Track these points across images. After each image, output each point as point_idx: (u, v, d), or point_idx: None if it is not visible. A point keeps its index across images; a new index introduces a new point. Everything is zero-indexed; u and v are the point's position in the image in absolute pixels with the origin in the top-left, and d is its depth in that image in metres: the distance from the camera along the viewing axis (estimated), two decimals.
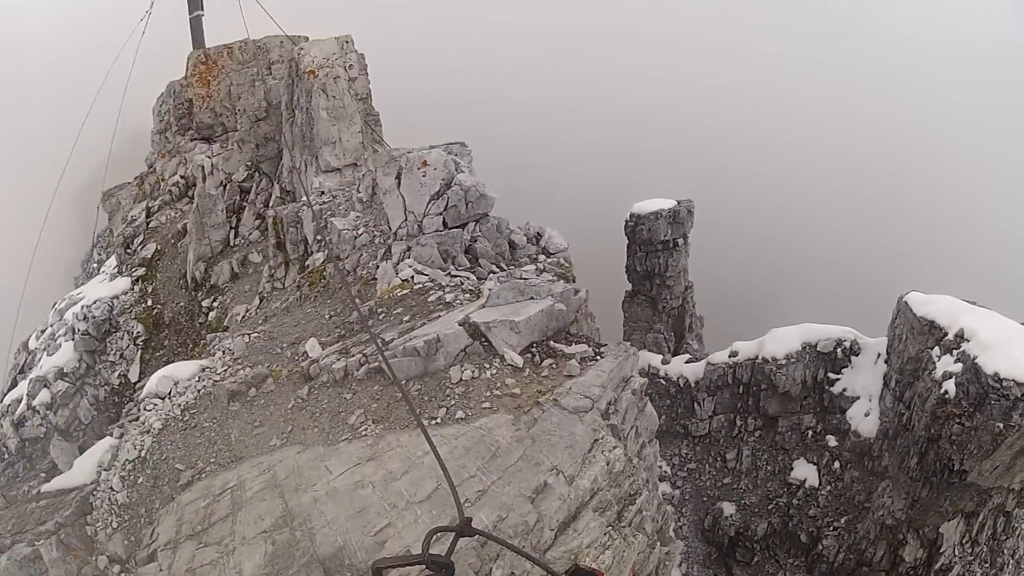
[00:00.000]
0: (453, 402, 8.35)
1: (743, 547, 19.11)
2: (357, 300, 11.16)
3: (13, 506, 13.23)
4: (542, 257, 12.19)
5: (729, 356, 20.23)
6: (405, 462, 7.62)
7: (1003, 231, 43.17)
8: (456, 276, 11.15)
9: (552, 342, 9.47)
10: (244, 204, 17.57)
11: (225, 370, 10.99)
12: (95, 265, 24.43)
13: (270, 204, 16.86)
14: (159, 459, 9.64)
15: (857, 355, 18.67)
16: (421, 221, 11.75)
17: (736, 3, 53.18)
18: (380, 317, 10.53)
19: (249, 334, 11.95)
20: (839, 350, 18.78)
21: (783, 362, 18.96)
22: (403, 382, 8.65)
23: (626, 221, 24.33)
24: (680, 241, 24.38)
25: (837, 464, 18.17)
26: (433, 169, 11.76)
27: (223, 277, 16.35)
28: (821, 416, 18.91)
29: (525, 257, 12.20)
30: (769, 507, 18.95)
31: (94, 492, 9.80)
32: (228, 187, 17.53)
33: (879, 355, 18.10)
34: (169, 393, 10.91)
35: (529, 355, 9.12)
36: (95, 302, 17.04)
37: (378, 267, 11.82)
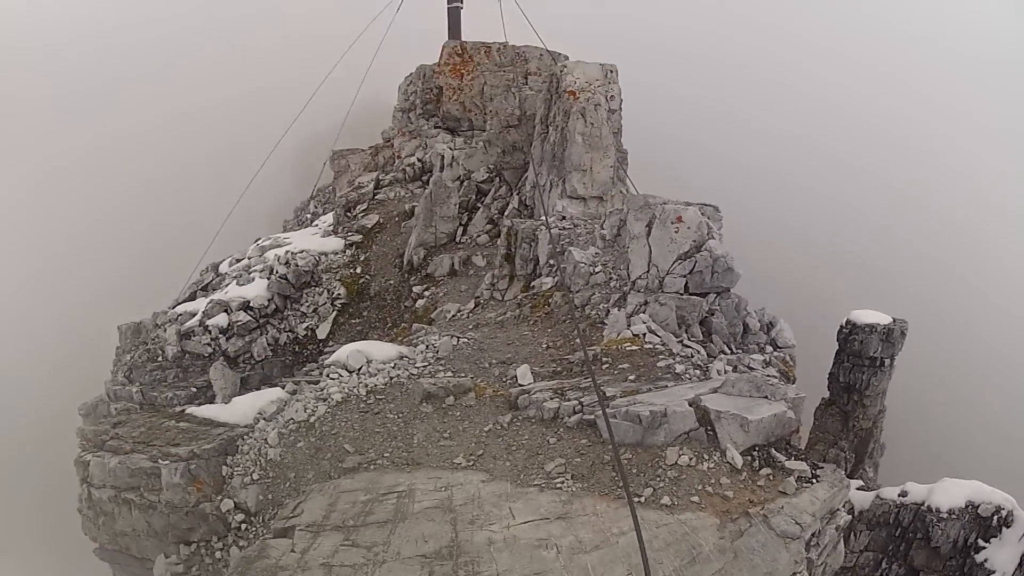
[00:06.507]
0: (662, 485, 7.33)
1: None
2: (583, 341, 10.30)
3: (146, 411, 13.14)
4: (769, 348, 11.17)
5: (899, 495, 18.02)
6: (598, 535, 6.66)
7: None
8: (688, 347, 10.09)
9: (773, 450, 8.28)
10: (479, 205, 17.32)
11: (425, 367, 10.45)
12: (309, 216, 24.72)
13: (506, 213, 16.57)
14: (328, 431, 9.09)
15: (1008, 527, 16.01)
16: (663, 278, 10.75)
17: None
18: (603, 367, 9.65)
19: (458, 337, 11.43)
20: (996, 517, 16.12)
21: (944, 516, 16.64)
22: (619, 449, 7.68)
23: (841, 327, 22.49)
24: (887, 361, 22.15)
25: None
26: (687, 227, 10.77)
27: (441, 270, 16.13)
28: None
29: (754, 344, 11.09)
30: None
31: (244, 437, 9.43)
32: (466, 183, 17.46)
33: None
34: (359, 369, 10.47)
35: (749, 458, 7.98)
36: (302, 251, 17.07)
37: (608, 312, 10.97)
